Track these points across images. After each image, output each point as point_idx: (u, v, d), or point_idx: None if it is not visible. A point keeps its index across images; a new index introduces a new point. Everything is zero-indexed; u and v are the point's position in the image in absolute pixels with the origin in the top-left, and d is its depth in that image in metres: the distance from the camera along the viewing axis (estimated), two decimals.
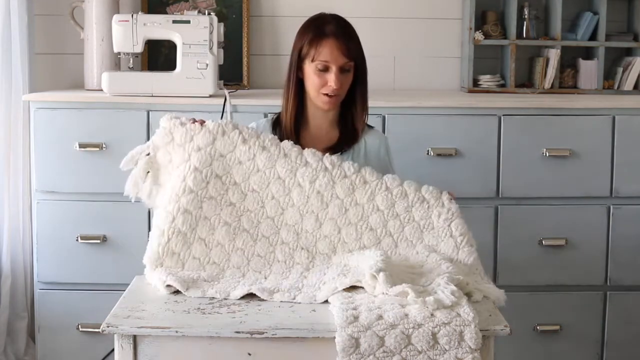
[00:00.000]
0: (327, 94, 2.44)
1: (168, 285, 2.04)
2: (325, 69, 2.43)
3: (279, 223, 2.21)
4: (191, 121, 2.27)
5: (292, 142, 2.30)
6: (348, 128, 2.53)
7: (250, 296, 1.99)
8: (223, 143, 2.24)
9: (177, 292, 2.03)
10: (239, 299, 1.98)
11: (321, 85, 2.44)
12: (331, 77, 2.43)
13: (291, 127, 2.49)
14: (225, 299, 1.98)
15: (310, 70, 2.45)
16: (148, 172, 2.26)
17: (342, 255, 2.17)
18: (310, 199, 2.22)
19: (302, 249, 2.19)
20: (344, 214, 2.22)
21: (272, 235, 2.20)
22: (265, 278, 2.11)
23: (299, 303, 1.96)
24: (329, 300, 1.95)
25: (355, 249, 2.19)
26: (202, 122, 2.28)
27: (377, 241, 2.20)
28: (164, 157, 2.25)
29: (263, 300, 1.98)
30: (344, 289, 1.98)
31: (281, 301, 1.97)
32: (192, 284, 2.04)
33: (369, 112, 2.59)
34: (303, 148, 2.29)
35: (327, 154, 2.29)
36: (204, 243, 2.17)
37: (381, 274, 1.93)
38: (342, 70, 2.44)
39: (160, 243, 2.15)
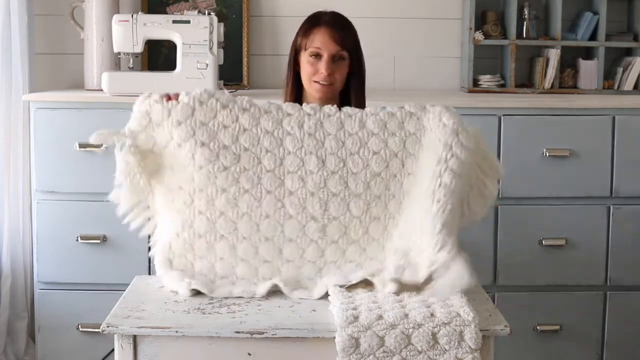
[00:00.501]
0: (318, 82, 2.45)
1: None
2: (317, 57, 2.44)
3: (281, 173, 2.13)
4: (165, 97, 2.19)
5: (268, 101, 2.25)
6: None
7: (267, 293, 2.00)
8: (202, 112, 2.15)
9: (177, 292, 2.03)
10: (237, 298, 1.98)
11: (313, 73, 2.45)
12: (322, 65, 2.43)
13: None
14: (252, 297, 1.98)
15: (304, 60, 2.47)
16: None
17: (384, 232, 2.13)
18: (304, 141, 2.15)
19: (312, 195, 2.12)
20: (342, 146, 2.15)
21: (277, 189, 2.12)
22: (280, 271, 2.09)
23: (299, 303, 1.96)
24: (329, 299, 1.95)
25: (367, 179, 2.13)
26: (177, 96, 2.20)
27: (385, 165, 2.14)
28: (147, 141, 2.16)
29: (263, 300, 1.98)
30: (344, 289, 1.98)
31: (291, 298, 1.98)
32: (215, 286, 2.03)
33: None
34: None
35: (305, 103, 2.24)
36: (206, 217, 2.12)
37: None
38: (334, 59, 2.44)
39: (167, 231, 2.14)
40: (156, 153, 2.15)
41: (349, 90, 2.52)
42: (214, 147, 2.13)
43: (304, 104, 2.21)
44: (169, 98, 2.18)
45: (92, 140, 2.15)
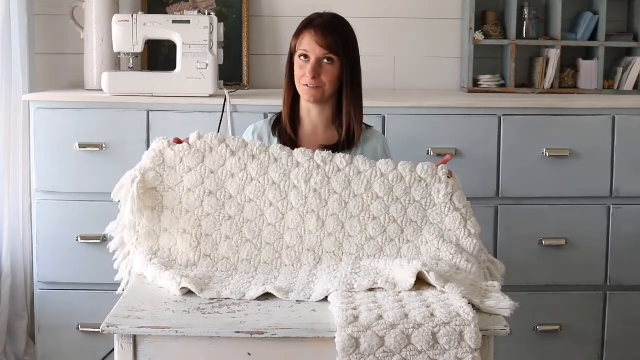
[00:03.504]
0: (306, 85, 2.45)
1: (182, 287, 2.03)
2: (306, 59, 2.45)
3: (281, 228, 2.21)
4: (175, 140, 2.26)
5: (280, 145, 2.29)
6: (344, 129, 2.52)
7: (263, 296, 1.99)
8: (212, 159, 2.23)
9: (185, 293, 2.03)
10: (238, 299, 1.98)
11: (301, 75, 2.46)
12: (308, 67, 2.44)
13: (287, 123, 2.50)
14: (241, 299, 1.98)
15: (295, 62, 2.48)
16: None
17: (367, 260, 2.16)
18: (308, 198, 2.21)
19: (308, 250, 2.19)
20: (344, 207, 2.21)
21: (276, 242, 2.20)
22: (276, 279, 2.11)
23: (299, 303, 1.96)
24: (329, 299, 1.95)
25: (361, 242, 2.19)
26: (187, 140, 2.26)
27: (383, 230, 2.20)
28: (155, 179, 2.22)
29: (263, 300, 1.98)
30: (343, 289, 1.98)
31: (288, 300, 1.97)
32: (206, 285, 2.04)
33: (369, 112, 2.58)
34: (298, 147, 2.29)
35: (317, 150, 2.28)
36: (210, 259, 2.18)
37: (432, 273, 1.96)
38: (321, 62, 2.44)
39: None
40: (158, 192, 2.22)
41: (343, 93, 2.51)
42: (221, 196, 2.22)
43: (316, 152, 2.25)
44: (179, 142, 2.26)
45: (115, 195, 2.25)
